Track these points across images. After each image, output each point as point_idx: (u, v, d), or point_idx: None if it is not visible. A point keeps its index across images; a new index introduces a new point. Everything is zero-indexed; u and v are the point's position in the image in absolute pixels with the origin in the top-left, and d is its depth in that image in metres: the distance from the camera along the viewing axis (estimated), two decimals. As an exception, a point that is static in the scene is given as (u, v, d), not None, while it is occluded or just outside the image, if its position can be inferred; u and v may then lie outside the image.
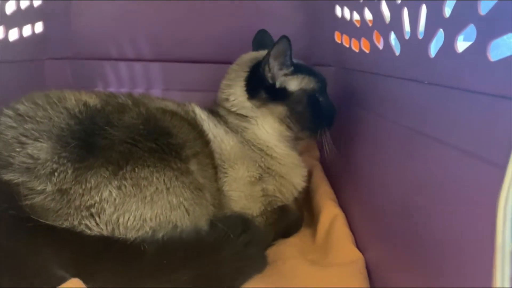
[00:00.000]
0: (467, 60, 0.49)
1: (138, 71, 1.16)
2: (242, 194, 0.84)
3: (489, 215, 0.35)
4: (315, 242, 0.85)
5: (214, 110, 0.91)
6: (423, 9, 0.60)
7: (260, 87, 0.87)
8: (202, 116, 0.86)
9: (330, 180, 1.02)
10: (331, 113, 0.91)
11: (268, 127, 0.89)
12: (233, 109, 0.89)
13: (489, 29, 0.45)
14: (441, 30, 0.56)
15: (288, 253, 0.79)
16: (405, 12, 0.66)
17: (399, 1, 0.68)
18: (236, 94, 0.89)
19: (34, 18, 0.99)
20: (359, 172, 0.87)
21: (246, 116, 0.89)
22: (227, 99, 0.89)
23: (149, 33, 1.14)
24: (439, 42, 0.56)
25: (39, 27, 1.02)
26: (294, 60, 0.88)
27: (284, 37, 0.81)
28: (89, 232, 0.60)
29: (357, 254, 0.75)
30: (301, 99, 0.86)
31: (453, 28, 0.52)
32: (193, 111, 0.86)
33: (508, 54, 0.41)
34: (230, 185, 0.83)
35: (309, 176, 1.03)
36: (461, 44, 0.52)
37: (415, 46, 0.63)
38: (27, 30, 0.95)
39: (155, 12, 1.13)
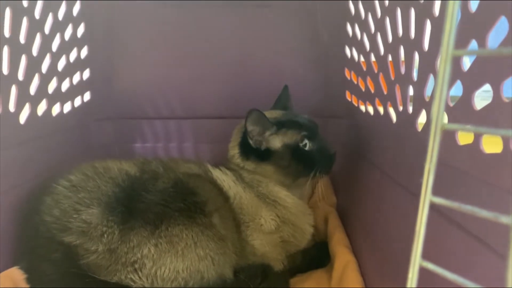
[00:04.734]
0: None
1: (172, 127, 1.29)
2: (264, 242, 0.94)
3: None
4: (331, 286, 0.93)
5: (228, 166, 1.01)
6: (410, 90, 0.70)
7: (250, 150, 0.97)
8: (221, 176, 0.96)
9: (346, 227, 1.08)
10: (325, 154, 0.95)
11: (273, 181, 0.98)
12: (241, 165, 0.98)
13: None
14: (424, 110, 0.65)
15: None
16: (397, 88, 0.76)
17: (393, 78, 0.78)
18: (235, 156, 0.99)
19: (84, 89, 1.16)
20: (371, 227, 0.90)
21: (256, 172, 0.98)
22: (233, 157, 1.00)
23: (180, 94, 1.27)
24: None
25: (87, 96, 1.18)
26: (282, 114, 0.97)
27: (252, 110, 0.89)
28: (133, 285, 0.72)
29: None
30: (284, 155, 0.94)
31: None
32: (210, 172, 0.96)
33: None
34: (252, 235, 0.93)
35: (325, 223, 1.11)
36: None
37: (405, 119, 0.72)
38: (78, 101, 1.11)
39: (186, 75, 1.26)
